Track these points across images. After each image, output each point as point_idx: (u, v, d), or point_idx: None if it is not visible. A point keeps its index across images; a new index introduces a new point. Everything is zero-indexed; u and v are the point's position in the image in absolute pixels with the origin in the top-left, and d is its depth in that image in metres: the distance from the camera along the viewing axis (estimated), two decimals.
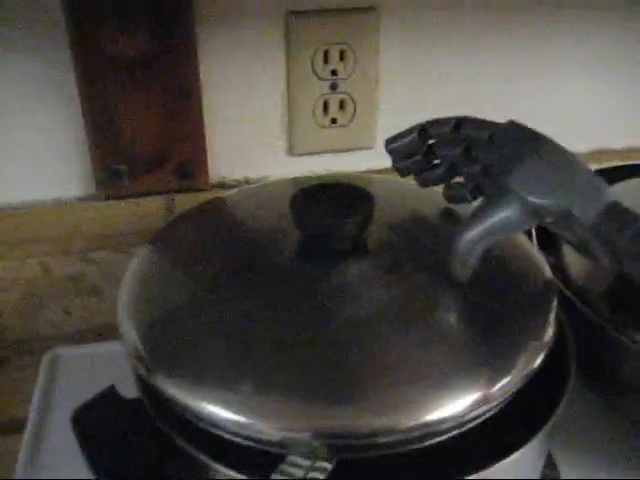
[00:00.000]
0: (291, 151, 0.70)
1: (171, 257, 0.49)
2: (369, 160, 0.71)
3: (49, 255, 0.68)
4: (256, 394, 0.37)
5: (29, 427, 0.61)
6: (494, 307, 0.43)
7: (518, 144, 0.43)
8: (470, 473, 0.37)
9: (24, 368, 0.71)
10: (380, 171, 0.71)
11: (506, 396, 0.39)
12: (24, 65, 0.61)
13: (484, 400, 0.38)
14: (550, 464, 0.54)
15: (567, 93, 0.75)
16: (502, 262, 0.47)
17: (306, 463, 0.36)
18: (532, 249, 0.50)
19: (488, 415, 0.39)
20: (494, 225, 0.41)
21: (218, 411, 0.36)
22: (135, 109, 0.63)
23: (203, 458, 0.37)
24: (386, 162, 0.71)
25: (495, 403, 0.38)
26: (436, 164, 0.51)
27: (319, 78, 0.66)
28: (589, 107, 0.77)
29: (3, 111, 0.63)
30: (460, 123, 0.47)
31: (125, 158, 0.65)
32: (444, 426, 0.37)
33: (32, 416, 0.62)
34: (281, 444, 0.36)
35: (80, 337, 0.73)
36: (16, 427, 0.63)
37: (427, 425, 0.36)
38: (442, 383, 0.37)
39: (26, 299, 0.70)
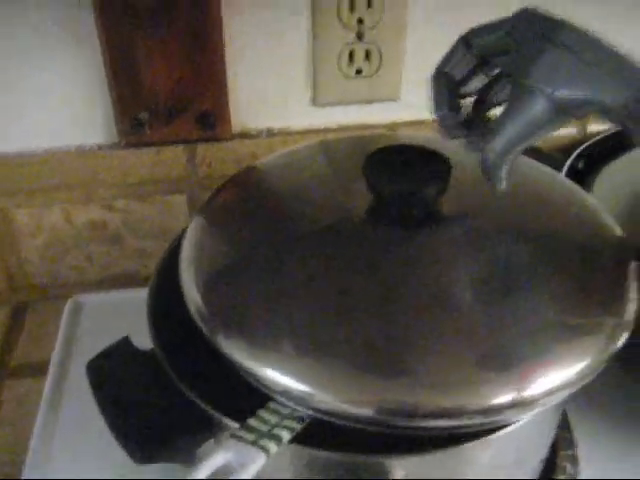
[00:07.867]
0: (315, 101, 0.68)
1: (230, 220, 0.47)
2: (393, 112, 0.70)
3: (71, 202, 0.68)
4: (317, 362, 0.35)
5: (52, 370, 0.62)
6: (573, 279, 0.40)
7: (533, 36, 0.38)
8: (477, 437, 0.36)
9: (47, 313, 0.72)
10: (404, 124, 0.70)
11: (585, 381, 0.36)
12: (45, 11, 0.60)
13: (562, 386, 0.35)
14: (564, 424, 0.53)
15: None
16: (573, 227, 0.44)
17: (275, 420, 0.35)
18: (602, 210, 0.46)
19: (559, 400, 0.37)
20: (520, 129, 0.37)
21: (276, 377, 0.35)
22: (156, 56, 0.62)
23: (209, 409, 0.38)
24: (410, 115, 0.70)
25: (572, 389, 0.36)
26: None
27: (345, 26, 0.64)
28: None
29: (25, 58, 0.62)
30: (467, 38, 0.42)
31: (146, 106, 0.64)
32: (511, 413, 0.35)
33: (54, 360, 0.63)
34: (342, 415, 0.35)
35: (101, 284, 0.73)
36: (38, 370, 0.64)
37: (492, 410, 0.34)
38: (518, 365, 0.35)
39: (49, 246, 0.71)
